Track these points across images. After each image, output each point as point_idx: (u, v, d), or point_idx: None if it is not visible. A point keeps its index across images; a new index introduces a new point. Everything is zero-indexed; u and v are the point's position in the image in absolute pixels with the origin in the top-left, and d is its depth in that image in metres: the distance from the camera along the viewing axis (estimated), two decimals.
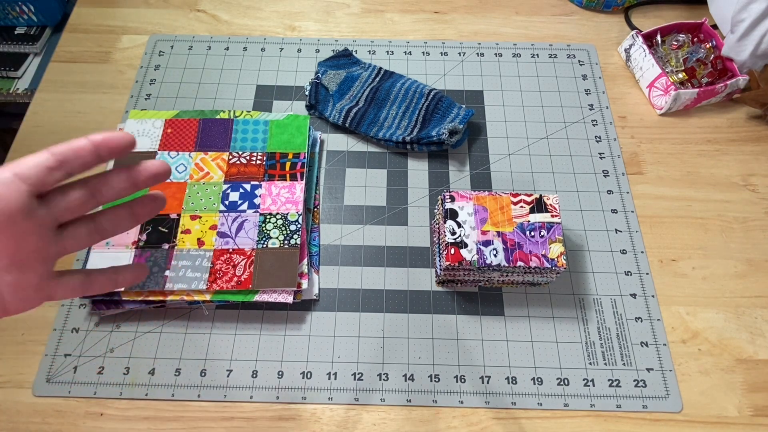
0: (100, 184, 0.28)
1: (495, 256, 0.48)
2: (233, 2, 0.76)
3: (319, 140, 0.63)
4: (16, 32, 0.82)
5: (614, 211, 0.59)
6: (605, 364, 0.51)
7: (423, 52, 0.71)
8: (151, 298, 0.50)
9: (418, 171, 0.61)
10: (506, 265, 0.47)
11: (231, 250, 0.53)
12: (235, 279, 0.51)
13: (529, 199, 0.50)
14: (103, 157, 0.27)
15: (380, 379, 0.50)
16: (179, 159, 0.58)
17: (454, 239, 0.48)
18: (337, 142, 0.64)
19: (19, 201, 0.24)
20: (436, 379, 0.50)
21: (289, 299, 0.51)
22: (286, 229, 0.54)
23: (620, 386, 0.50)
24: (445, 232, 0.49)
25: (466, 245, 0.48)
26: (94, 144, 0.26)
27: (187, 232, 0.54)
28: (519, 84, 0.68)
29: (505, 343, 0.52)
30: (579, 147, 0.63)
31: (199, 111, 0.62)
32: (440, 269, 0.52)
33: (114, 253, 0.52)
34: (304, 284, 0.52)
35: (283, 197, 0.56)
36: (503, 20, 0.75)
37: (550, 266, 0.47)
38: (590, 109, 0.66)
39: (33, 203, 0.25)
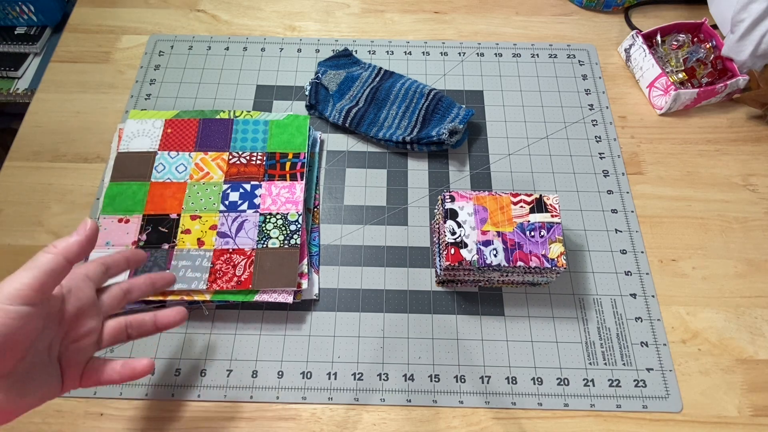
0: (132, 286, 0.38)
1: (495, 256, 0.48)
2: (233, 2, 0.76)
3: (319, 140, 0.63)
4: (16, 32, 0.82)
5: (614, 211, 0.59)
6: (605, 364, 0.51)
7: (423, 52, 0.71)
8: (151, 298, 0.50)
9: (418, 171, 0.61)
10: (506, 265, 0.47)
11: (231, 250, 0.53)
12: (235, 279, 0.51)
13: (529, 199, 0.50)
14: (131, 265, 0.39)
15: (380, 379, 0.50)
16: (179, 159, 0.58)
17: (454, 239, 0.48)
18: (337, 142, 0.64)
19: (91, 294, 0.35)
20: (436, 379, 0.50)
21: (289, 299, 0.51)
22: (286, 229, 0.54)
23: (620, 386, 0.50)
24: (445, 232, 0.49)
25: (466, 245, 0.48)
26: (125, 258, 0.39)
27: (187, 232, 0.54)
28: (519, 84, 0.68)
29: (505, 343, 0.52)
30: (579, 147, 0.63)
31: (199, 111, 0.62)
32: (440, 269, 0.52)
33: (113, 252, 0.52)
34: (304, 284, 0.52)
35: (283, 197, 0.56)
36: (503, 20, 0.75)
37: (550, 266, 0.47)
38: (590, 109, 0.66)
39: (95, 295, 0.35)
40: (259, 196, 0.56)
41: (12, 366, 0.28)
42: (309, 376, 0.50)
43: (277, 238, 0.54)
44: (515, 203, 0.50)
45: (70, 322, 0.33)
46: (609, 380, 0.50)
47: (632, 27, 0.73)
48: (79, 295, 0.34)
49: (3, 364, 0.28)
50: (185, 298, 0.51)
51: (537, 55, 0.71)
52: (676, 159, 0.63)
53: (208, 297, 0.51)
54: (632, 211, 0.59)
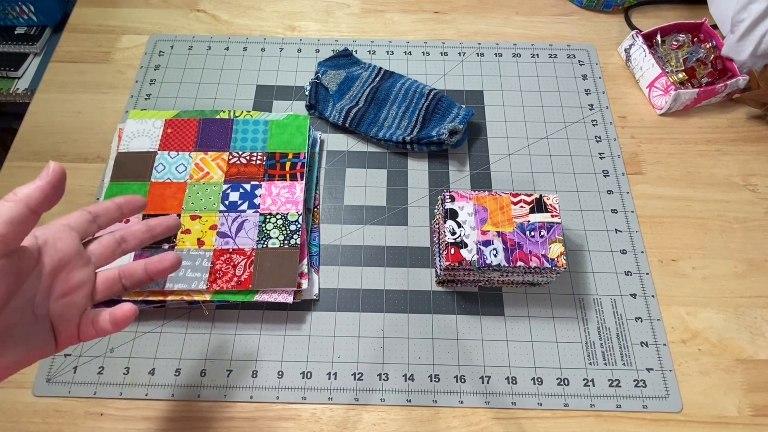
0: (127, 234, 0.35)
1: (495, 256, 0.48)
2: (233, 2, 0.76)
3: (319, 140, 0.63)
4: (16, 32, 0.82)
5: (614, 211, 0.59)
6: (605, 364, 0.51)
7: (423, 52, 0.71)
8: (151, 298, 0.50)
9: (418, 171, 0.61)
10: (506, 265, 0.47)
11: (231, 250, 0.53)
12: (235, 279, 0.51)
13: (529, 199, 0.50)
14: (125, 213, 0.36)
15: (380, 379, 0.50)
16: (179, 159, 0.58)
17: (454, 239, 0.48)
18: (337, 142, 0.64)
19: (73, 244, 0.32)
20: (436, 379, 0.50)
21: (289, 299, 0.51)
22: (286, 229, 0.54)
23: (620, 386, 0.50)
24: (445, 232, 0.49)
25: (466, 245, 0.48)
26: (117, 204, 0.35)
27: (187, 232, 0.54)
28: (519, 84, 0.68)
29: (505, 343, 0.52)
30: (579, 147, 0.63)
31: (199, 111, 0.62)
32: (440, 269, 0.52)
33: None
34: (304, 284, 0.52)
35: (283, 197, 0.56)
36: (503, 20, 0.75)
37: (550, 266, 0.47)
38: (590, 109, 0.66)
39: (80, 247, 0.32)
40: (259, 196, 0.56)
41: None
42: (309, 376, 0.50)
43: (277, 238, 0.54)
44: (515, 203, 0.50)
45: (53, 275, 0.30)
46: (609, 380, 0.50)
47: (632, 27, 0.73)
48: (58, 245, 0.31)
49: None
50: (185, 298, 0.51)
51: (537, 55, 0.71)
52: (676, 159, 0.63)
53: (208, 297, 0.51)
54: (632, 211, 0.59)
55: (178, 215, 0.55)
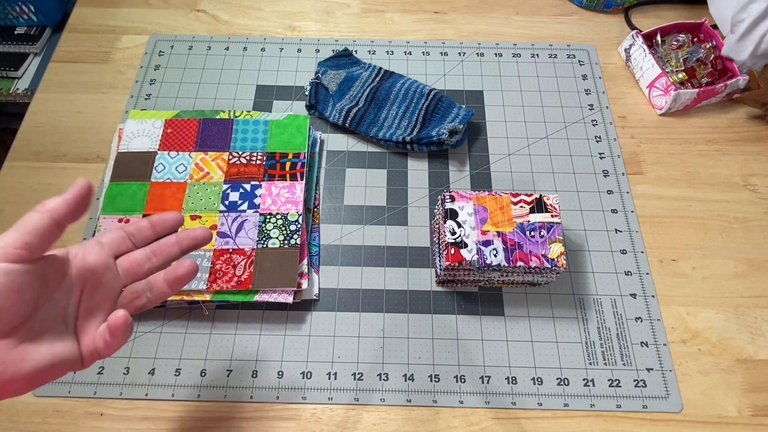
0: (156, 249, 0.35)
1: (495, 256, 0.48)
2: (233, 2, 0.76)
3: (319, 140, 0.63)
4: (16, 32, 0.82)
5: (614, 211, 0.59)
6: (605, 364, 0.51)
7: (423, 52, 0.71)
8: None
9: (418, 171, 0.61)
10: (506, 265, 0.47)
11: (231, 250, 0.53)
12: (235, 279, 0.51)
13: (529, 199, 0.50)
14: (158, 232, 0.36)
15: (380, 379, 0.50)
16: (179, 159, 0.58)
17: (454, 239, 0.48)
18: (337, 142, 0.64)
19: (103, 259, 0.33)
20: (436, 379, 0.50)
21: (289, 299, 0.51)
22: (286, 229, 0.54)
23: (620, 386, 0.50)
24: (445, 232, 0.49)
25: (466, 245, 0.48)
26: (151, 223, 0.36)
27: None
28: (519, 84, 0.68)
29: (505, 343, 0.52)
30: (579, 147, 0.63)
31: (199, 111, 0.62)
32: (440, 269, 0.52)
33: None
34: (304, 284, 0.52)
35: (283, 197, 0.56)
36: (503, 20, 0.75)
37: (550, 266, 0.47)
38: (590, 109, 0.66)
39: (110, 260, 0.33)
40: (259, 196, 0.56)
41: (7, 324, 0.28)
42: (309, 376, 0.50)
43: (277, 238, 0.54)
44: (515, 203, 0.50)
45: (83, 288, 0.32)
46: (609, 380, 0.50)
47: (632, 27, 0.73)
48: (88, 258, 0.32)
49: None
50: (185, 298, 0.51)
51: (537, 55, 0.71)
52: (676, 159, 0.63)
53: (208, 297, 0.51)
54: (632, 211, 0.59)
55: None
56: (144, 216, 0.54)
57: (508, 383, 0.50)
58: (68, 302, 0.31)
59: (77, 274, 0.32)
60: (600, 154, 0.63)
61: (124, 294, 0.34)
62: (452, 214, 0.50)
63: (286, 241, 0.53)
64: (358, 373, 0.50)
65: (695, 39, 0.68)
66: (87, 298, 0.32)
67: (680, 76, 0.65)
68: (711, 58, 0.66)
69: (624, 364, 0.51)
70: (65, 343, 0.30)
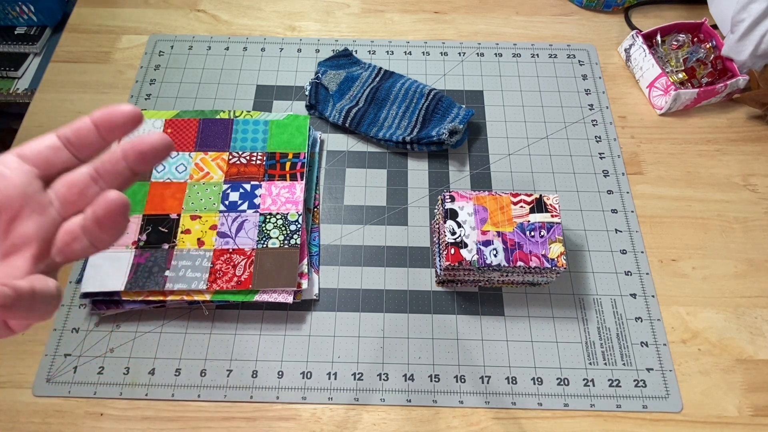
0: (105, 163, 0.24)
1: (495, 256, 0.48)
2: (233, 2, 0.76)
3: (319, 140, 0.63)
4: (16, 32, 0.82)
5: (614, 211, 0.59)
6: (605, 364, 0.51)
7: (423, 52, 0.71)
8: (151, 298, 0.50)
9: (418, 171, 0.61)
10: (506, 265, 0.47)
11: (231, 250, 0.53)
12: (235, 279, 0.51)
13: (529, 199, 0.50)
14: (105, 135, 0.24)
15: (380, 379, 0.50)
16: (179, 159, 0.58)
17: (454, 239, 0.48)
18: (337, 142, 0.64)
19: (22, 183, 0.22)
20: (436, 379, 0.50)
21: (289, 299, 0.51)
22: (286, 229, 0.54)
23: (620, 386, 0.50)
24: (445, 232, 0.49)
25: (466, 245, 0.48)
26: (93, 121, 0.23)
27: (187, 232, 0.54)
28: (519, 84, 0.68)
29: (505, 343, 0.52)
30: (579, 147, 0.63)
31: (199, 111, 0.62)
32: (440, 269, 0.52)
33: (113, 252, 0.52)
34: (304, 284, 0.52)
35: (283, 197, 0.56)
36: (503, 20, 0.75)
37: (550, 266, 0.47)
38: (590, 109, 0.66)
39: (36, 184, 0.23)
40: (259, 196, 0.56)
41: None
42: (309, 376, 0.50)
43: (277, 238, 0.54)
44: (515, 203, 0.50)
45: None
46: (609, 380, 0.50)
47: (632, 27, 0.73)
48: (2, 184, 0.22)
49: None
50: (185, 298, 0.51)
51: (537, 55, 0.71)
52: (676, 159, 0.63)
53: (208, 297, 0.51)
54: (632, 211, 0.59)
55: (178, 215, 0.55)
56: (144, 215, 0.54)
57: (508, 383, 0.50)
58: None
59: None
60: (600, 154, 0.63)
61: (62, 231, 0.23)
62: (452, 214, 0.50)
63: (286, 241, 0.53)
64: (358, 373, 0.50)
65: (695, 39, 0.68)
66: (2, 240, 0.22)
67: (680, 76, 0.65)
68: (711, 58, 0.66)
69: (624, 364, 0.51)
70: None
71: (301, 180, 0.57)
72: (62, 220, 0.23)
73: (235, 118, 0.61)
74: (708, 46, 0.66)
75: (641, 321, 0.53)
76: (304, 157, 0.58)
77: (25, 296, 0.20)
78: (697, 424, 0.48)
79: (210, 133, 0.60)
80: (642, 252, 0.56)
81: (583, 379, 0.50)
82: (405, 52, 0.71)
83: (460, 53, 0.71)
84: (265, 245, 0.53)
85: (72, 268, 0.55)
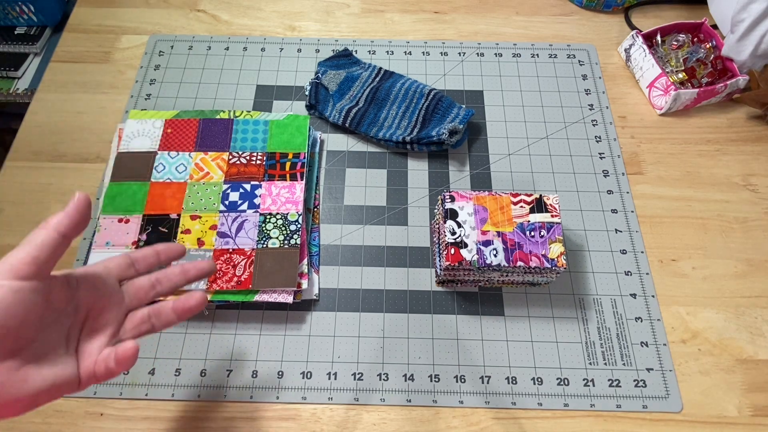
0: (162, 277, 0.37)
1: (495, 256, 0.48)
2: (233, 2, 0.76)
3: (319, 140, 0.63)
4: (16, 32, 0.82)
5: (614, 211, 0.59)
6: (605, 364, 0.51)
7: (423, 52, 0.71)
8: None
9: (418, 171, 0.61)
10: (506, 265, 0.47)
11: (231, 250, 0.53)
12: (235, 279, 0.51)
13: (529, 199, 0.50)
14: (162, 260, 0.37)
15: (380, 379, 0.50)
16: (179, 159, 0.58)
17: (454, 239, 0.48)
18: (337, 142, 0.64)
19: (109, 284, 0.34)
20: (436, 379, 0.50)
21: (289, 299, 0.51)
22: (286, 229, 0.54)
23: (620, 386, 0.50)
24: (445, 232, 0.49)
25: (466, 245, 0.48)
26: (156, 251, 0.37)
27: (187, 232, 0.54)
28: (519, 84, 0.68)
29: (505, 343, 0.52)
30: (579, 147, 0.63)
31: (199, 111, 0.62)
32: (440, 269, 0.52)
33: (113, 252, 0.52)
34: (304, 284, 0.52)
35: (283, 197, 0.56)
36: (503, 20, 0.75)
37: (550, 266, 0.47)
38: (590, 109, 0.66)
39: (116, 285, 0.34)
40: (259, 196, 0.56)
41: (12, 344, 0.28)
42: (309, 376, 0.50)
43: (277, 238, 0.54)
44: (515, 203, 0.50)
45: (87, 311, 0.32)
46: (609, 380, 0.50)
47: (632, 27, 0.73)
48: (96, 282, 0.33)
49: (2, 343, 0.27)
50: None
51: (537, 55, 0.71)
52: (676, 159, 0.63)
53: (208, 297, 0.51)
54: (632, 211, 0.59)
55: (178, 215, 0.55)
56: (144, 215, 0.54)
57: (508, 383, 0.50)
58: (72, 324, 0.31)
59: (84, 297, 0.32)
60: (600, 154, 0.63)
61: (129, 319, 0.34)
62: (452, 214, 0.50)
63: (286, 241, 0.53)
64: (358, 373, 0.50)
65: (695, 39, 0.68)
66: (91, 321, 0.32)
67: (680, 76, 0.65)
68: (711, 58, 0.66)
69: (624, 364, 0.51)
70: (66, 366, 0.30)
71: (301, 180, 0.57)
72: (128, 310, 0.34)
73: (235, 118, 0.61)
74: (708, 46, 0.66)
75: (641, 321, 0.53)
76: (304, 157, 0.58)
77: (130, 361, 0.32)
78: (697, 424, 0.48)
79: (210, 133, 0.60)
80: (642, 252, 0.56)
81: (583, 379, 0.50)
82: (405, 52, 0.71)
83: (460, 53, 0.71)
84: (265, 245, 0.53)
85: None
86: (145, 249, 0.37)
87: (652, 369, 0.50)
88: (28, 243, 0.29)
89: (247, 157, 0.58)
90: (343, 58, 0.68)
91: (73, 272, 0.32)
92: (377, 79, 0.66)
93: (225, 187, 0.57)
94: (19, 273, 0.28)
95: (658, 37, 0.68)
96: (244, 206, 0.55)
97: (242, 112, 0.62)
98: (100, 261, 0.35)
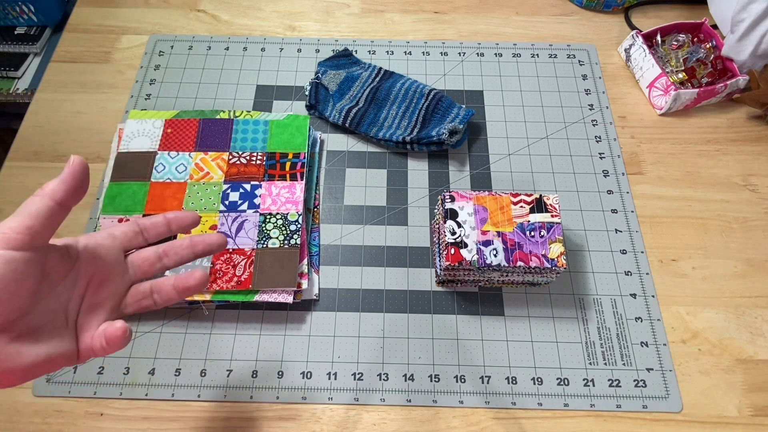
0: (169, 249, 0.34)
1: (495, 256, 0.48)
2: (233, 2, 0.76)
3: (319, 140, 0.63)
4: (16, 32, 0.82)
5: (614, 211, 0.59)
6: (605, 364, 0.51)
7: (423, 52, 0.71)
8: None
9: (418, 171, 0.61)
10: (506, 265, 0.47)
11: (231, 250, 0.53)
12: (235, 279, 0.51)
13: (529, 199, 0.50)
14: (173, 230, 0.35)
15: (380, 379, 0.50)
16: (179, 159, 0.58)
17: (454, 239, 0.48)
18: (337, 142, 0.64)
19: (114, 254, 0.32)
20: (436, 379, 0.50)
21: (289, 299, 0.51)
22: (286, 229, 0.54)
23: (620, 386, 0.50)
24: (445, 232, 0.49)
25: (466, 245, 0.48)
26: (167, 219, 0.34)
27: (187, 232, 0.54)
28: (519, 84, 0.68)
29: (505, 343, 0.52)
30: (579, 147, 0.63)
31: (199, 111, 0.62)
32: (440, 269, 0.52)
33: None
34: (304, 284, 0.52)
35: (283, 197, 0.56)
36: (503, 20, 0.75)
37: (550, 266, 0.47)
38: (590, 109, 0.66)
39: (121, 256, 0.32)
40: (259, 196, 0.56)
41: (4, 317, 0.26)
42: (309, 376, 0.50)
43: (277, 238, 0.54)
44: (515, 203, 0.50)
45: (89, 282, 0.30)
46: (609, 380, 0.50)
47: (632, 27, 0.73)
48: (99, 252, 0.31)
49: None
50: (185, 297, 0.51)
51: (537, 55, 0.71)
52: (676, 159, 0.63)
53: (208, 297, 0.51)
54: (632, 211, 0.59)
55: None
56: (144, 215, 0.54)
57: (508, 383, 0.50)
58: (71, 296, 0.30)
59: (85, 268, 0.30)
60: (600, 154, 0.63)
61: (131, 292, 0.33)
62: (452, 214, 0.50)
63: (286, 241, 0.53)
64: (358, 373, 0.50)
65: (695, 39, 0.68)
66: (92, 294, 0.31)
67: (680, 76, 0.65)
68: (711, 58, 0.66)
69: (624, 364, 0.51)
70: (63, 340, 0.29)
71: (301, 180, 0.57)
72: (132, 282, 0.33)
73: (235, 118, 0.61)
74: (708, 46, 0.66)
75: (641, 321, 0.53)
76: (304, 157, 0.58)
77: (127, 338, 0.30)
78: (697, 424, 0.48)
79: (210, 133, 0.60)
80: (642, 252, 0.56)
81: (583, 379, 0.50)
82: (405, 52, 0.71)
83: (460, 53, 0.71)
84: (265, 245, 0.53)
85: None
86: (154, 217, 0.34)
87: (652, 369, 0.50)
88: (21, 212, 0.27)
89: (247, 157, 0.58)
90: (343, 58, 0.68)
91: (74, 242, 0.30)
92: (377, 79, 0.66)
93: (225, 187, 0.57)
94: (11, 243, 0.26)
95: (658, 37, 0.68)
96: (244, 206, 0.55)
97: (242, 112, 0.62)
98: (106, 228, 0.33)
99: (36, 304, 0.28)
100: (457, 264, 0.48)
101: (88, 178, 0.29)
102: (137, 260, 0.33)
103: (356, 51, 0.71)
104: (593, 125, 0.65)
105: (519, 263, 0.47)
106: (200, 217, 0.35)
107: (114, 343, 0.29)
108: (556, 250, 0.48)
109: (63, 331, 0.29)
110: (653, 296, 0.54)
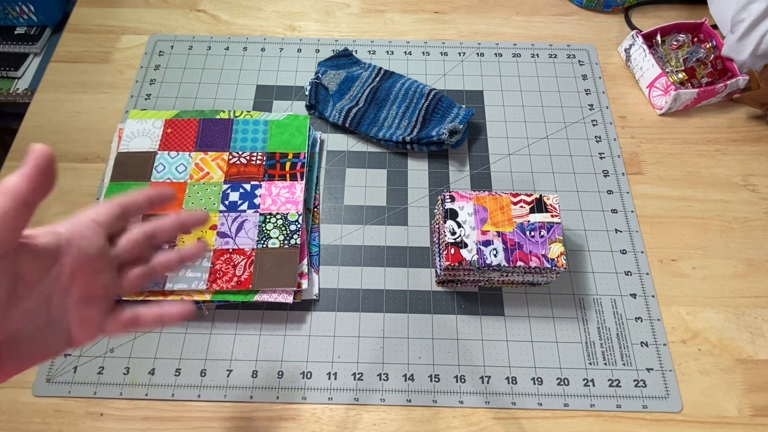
0: (156, 228, 0.33)
1: (495, 256, 0.48)
2: (233, 2, 0.76)
3: (319, 140, 0.63)
4: (16, 32, 0.82)
5: (614, 211, 0.59)
6: (605, 364, 0.51)
7: (423, 52, 0.71)
8: (151, 299, 0.50)
9: (418, 171, 0.61)
10: (506, 265, 0.47)
11: (231, 250, 0.53)
12: (235, 279, 0.51)
13: (529, 199, 0.50)
14: (155, 205, 0.33)
15: (380, 379, 0.50)
16: (179, 159, 0.58)
17: (454, 239, 0.48)
18: (337, 142, 0.64)
19: (98, 243, 0.29)
20: (436, 379, 0.50)
21: (289, 299, 0.51)
22: (286, 229, 0.54)
23: (620, 386, 0.50)
24: (445, 232, 0.49)
25: (466, 245, 0.48)
26: (148, 197, 0.33)
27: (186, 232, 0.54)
28: (519, 84, 0.68)
29: (505, 343, 0.52)
30: (579, 147, 0.63)
31: (199, 111, 0.62)
32: (440, 269, 0.52)
33: None
34: (304, 284, 0.52)
35: (283, 197, 0.56)
36: (503, 20, 0.75)
37: (550, 266, 0.47)
38: (590, 109, 0.66)
39: (106, 245, 0.30)
40: (259, 196, 0.56)
41: None
42: (309, 376, 0.50)
43: (277, 238, 0.54)
44: (515, 203, 0.50)
45: (74, 275, 0.28)
46: (609, 380, 0.50)
47: (632, 27, 0.73)
48: (82, 244, 0.28)
49: None
50: (185, 298, 0.51)
51: (537, 55, 0.71)
52: (676, 159, 0.63)
53: (208, 297, 0.51)
54: (632, 211, 0.59)
55: None
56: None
57: (508, 383, 0.50)
58: (54, 291, 0.27)
59: (69, 263, 0.27)
60: (600, 154, 0.63)
61: (129, 277, 0.31)
62: (452, 214, 0.50)
63: (286, 241, 0.53)
64: (358, 373, 0.50)
65: (695, 39, 0.68)
66: (80, 286, 0.28)
67: (680, 76, 0.65)
68: (711, 58, 0.66)
69: (624, 364, 0.51)
70: (50, 335, 0.27)
71: (301, 180, 0.57)
72: (120, 267, 0.31)
73: (235, 118, 0.61)
74: (708, 46, 0.66)
75: (641, 321, 0.53)
76: (304, 157, 0.58)
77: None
78: (697, 424, 0.48)
79: (210, 133, 0.60)
80: (642, 252, 0.56)
81: (583, 379, 0.50)
82: (405, 52, 0.71)
83: (460, 53, 0.71)
84: (265, 245, 0.53)
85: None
86: (135, 194, 0.32)
87: (652, 369, 0.50)
88: None
89: (247, 157, 0.58)
90: (343, 58, 0.68)
91: (56, 238, 0.27)
92: (377, 79, 0.66)
93: (225, 187, 0.57)
94: None
95: (658, 37, 0.68)
96: (244, 206, 0.55)
97: (242, 112, 0.62)
98: (86, 213, 0.30)
99: (11, 309, 0.25)
100: (457, 264, 0.48)
101: (54, 168, 0.25)
102: (126, 244, 0.31)
103: (356, 51, 0.71)
104: (593, 125, 0.65)
105: (519, 263, 0.47)
106: (175, 193, 0.37)
107: (171, 317, 0.31)
108: (556, 250, 0.48)
109: (46, 329, 0.27)
110: (653, 296, 0.54)
